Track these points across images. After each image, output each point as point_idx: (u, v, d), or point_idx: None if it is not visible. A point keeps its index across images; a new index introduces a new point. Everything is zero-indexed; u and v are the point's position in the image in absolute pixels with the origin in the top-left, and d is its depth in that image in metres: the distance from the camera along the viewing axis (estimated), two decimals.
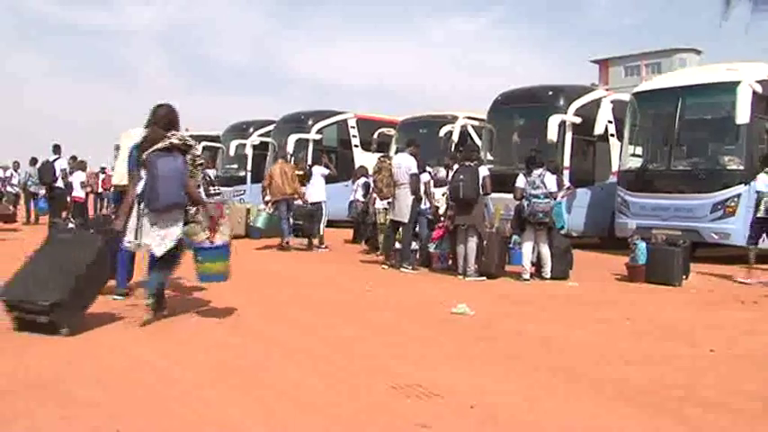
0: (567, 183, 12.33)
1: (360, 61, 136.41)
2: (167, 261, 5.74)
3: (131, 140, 6.22)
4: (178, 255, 5.84)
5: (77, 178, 16.10)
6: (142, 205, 5.55)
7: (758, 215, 9.54)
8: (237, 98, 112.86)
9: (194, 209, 5.77)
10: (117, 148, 8.07)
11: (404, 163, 10.18)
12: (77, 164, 16.57)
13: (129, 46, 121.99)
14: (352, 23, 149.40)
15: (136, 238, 5.57)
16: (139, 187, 5.58)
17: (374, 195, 11.80)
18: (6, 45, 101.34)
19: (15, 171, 20.08)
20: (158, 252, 5.59)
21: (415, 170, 10.07)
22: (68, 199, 15.64)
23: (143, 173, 5.56)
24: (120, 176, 7.06)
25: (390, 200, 10.56)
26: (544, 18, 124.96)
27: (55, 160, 15.44)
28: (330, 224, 13.85)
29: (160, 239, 5.57)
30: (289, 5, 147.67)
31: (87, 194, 17.81)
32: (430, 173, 10.65)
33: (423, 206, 10.26)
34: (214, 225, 5.76)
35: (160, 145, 5.53)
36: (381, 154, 12.87)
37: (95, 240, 5.72)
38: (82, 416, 3.64)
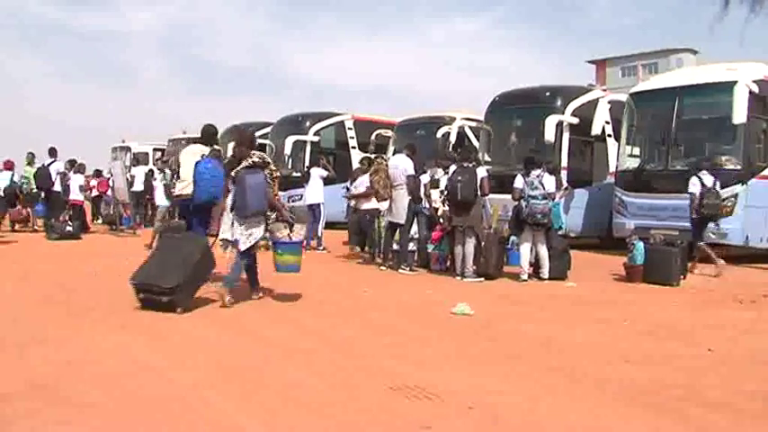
0: (564, 183, 12.35)
1: (359, 62, 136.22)
2: (246, 254, 7.00)
3: (193, 156, 7.85)
4: (254, 251, 7.13)
5: (76, 181, 16.06)
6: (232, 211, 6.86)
7: (692, 216, 10.21)
8: (237, 100, 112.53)
9: (273, 214, 7.07)
10: (163, 162, 9.90)
11: (401, 164, 10.18)
12: (77, 167, 16.54)
13: (129, 48, 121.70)
14: (351, 24, 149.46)
15: (229, 238, 6.89)
16: (230, 198, 6.89)
17: (354, 199, 11.89)
18: (5, 47, 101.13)
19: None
20: (243, 247, 6.87)
21: (411, 171, 10.07)
22: (66, 202, 15.58)
23: (231, 185, 6.90)
24: (183, 186, 8.08)
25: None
26: (541, 19, 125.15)
27: (50, 164, 15.42)
28: (328, 226, 13.84)
29: (245, 238, 6.85)
30: (288, 6, 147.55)
31: (86, 198, 17.77)
32: (432, 175, 10.63)
33: (422, 206, 10.24)
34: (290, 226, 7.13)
35: (245, 163, 6.82)
36: (375, 155, 12.74)
37: (203, 240, 7.19)
38: (82, 417, 3.64)
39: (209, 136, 8.39)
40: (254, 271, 7.32)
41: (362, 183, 11.42)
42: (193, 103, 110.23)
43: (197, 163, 7.56)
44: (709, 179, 10.13)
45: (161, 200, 13.79)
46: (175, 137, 25.40)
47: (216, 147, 8.28)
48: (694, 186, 10.11)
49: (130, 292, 6.61)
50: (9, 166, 16.32)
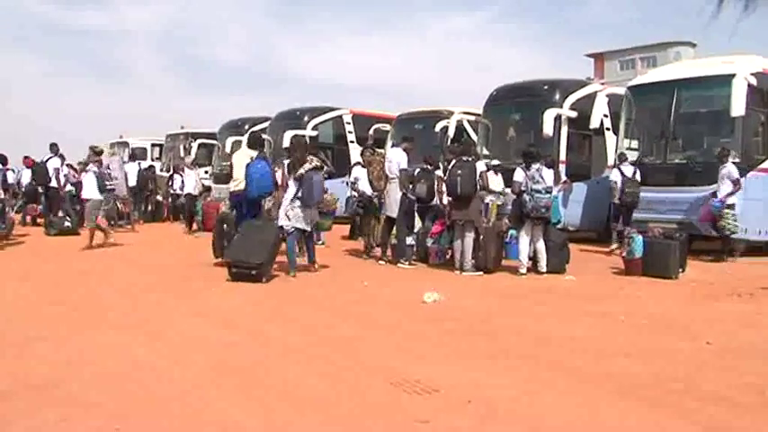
0: (563, 177, 12.35)
1: (357, 58, 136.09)
2: (310, 236, 9.30)
3: (245, 157, 9.56)
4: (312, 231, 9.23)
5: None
6: (296, 201, 8.77)
7: (614, 202, 11.90)
8: (234, 96, 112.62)
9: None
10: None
11: (395, 158, 10.21)
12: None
13: (126, 46, 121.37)
14: (349, 20, 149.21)
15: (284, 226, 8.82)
16: (290, 192, 8.85)
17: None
18: (1, 46, 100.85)
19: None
20: (308, 228, 9.02)
21: (405, 165, 10.08)
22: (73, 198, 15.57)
23: (291, 182, 8.84)
24: (236, 184, 9.52)
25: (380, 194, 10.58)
26: (539, 13, 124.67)
27: (48, 159, 15.39)
28: None
29: (307, 222, 8.92)
30: (286, 3, 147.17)
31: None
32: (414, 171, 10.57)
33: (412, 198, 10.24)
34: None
35: (309, 165, 8.74)
36: (366, 147, 12.68)
37: (275, 226, 8.90)
38: (82, 416, 3.65)
39: (256, 141, 10.15)
40: (312, 247, 9.30)
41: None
42: (191, 99, 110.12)
43: (248, 164, 9.17)
44: (629, 170, 11.60)
45: (93, 193, 12.77)
46: (173, 132, 25.34)
47: (263, 150, 9.96)
48: (615, 177, 11.71)
49: (128, 292, 6.63)
50: (30, 163, 16.39)
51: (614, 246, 11.52)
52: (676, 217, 11.06)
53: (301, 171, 8.70)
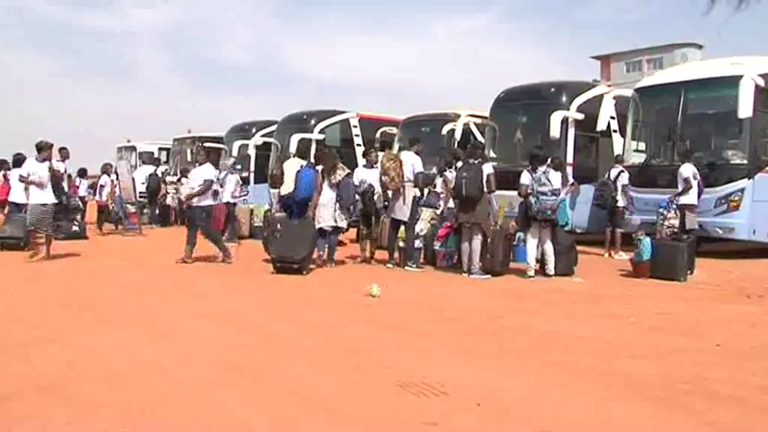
0: (571, 179, 12.32)
1: (363, 59, 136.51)
2: (339, 232, 10.60)
3: (295, 165, 10.69)
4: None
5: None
6: (336, 204, 10.04)
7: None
8: (241, 98, 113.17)
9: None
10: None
11: (408, 161, 10.16)
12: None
13: (133, 47, 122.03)
14: (355, 22, 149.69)
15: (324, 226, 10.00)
16: (325, 196, 10.04)
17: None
18: (9, 47, 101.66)
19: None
20: (345, 225, 10.52)
21: (420, 168, 10.07)
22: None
23: (326, 186, 10.06)
24: (287, 188, 10.53)
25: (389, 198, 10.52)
26: (545, 15, 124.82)
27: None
28: None
29: (345, 220, 10.29)
30: (292, 4, 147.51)
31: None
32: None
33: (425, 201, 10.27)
34: None
35: (343, 173, 10.13)
36: (368, 150, 12.71)
37: (313, 224, 9.84)
38: (90, 417, 3.65)
39: (305, 151, 12.40)
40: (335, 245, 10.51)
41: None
42: (198, 101, 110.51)
43: (298, 171, 10.32)
44: (614, 172, 11.95)
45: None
46: (180, 136, 25.40)
47: (311, 160, 11.27)
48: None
49: (135, 292, 6.64)
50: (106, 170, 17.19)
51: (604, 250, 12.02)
52: None
53: (338, 178, 9.96)
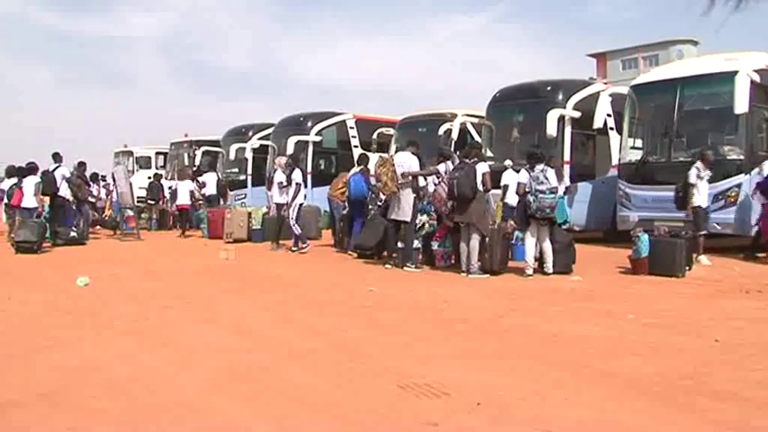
0: (567, 181, 12.32)
1: (361, 61, 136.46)
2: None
3: (350, 173, 12.43)
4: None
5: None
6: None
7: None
8: (239, 102, 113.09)
9: None
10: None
11: (406, 162, 10.14)
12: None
13: (130, 54, 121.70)
14: (353, 23, 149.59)
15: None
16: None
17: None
18: (5, 55, 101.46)
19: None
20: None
21: (417, 169, 10.07)
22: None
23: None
24: (344, 191, 12.55)
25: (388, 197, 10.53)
26: (541, 13, 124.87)
27: (55, 169, 15.38)
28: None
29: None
30: (288, 7, 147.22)
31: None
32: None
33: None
34: None
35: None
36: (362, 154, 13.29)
37: (383, 222, 10.93)
38: (91, 424, 3.65)
39: (362, 161, 12.96)
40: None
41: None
42: (195, 106, 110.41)
43: (351, 177, 12.18)
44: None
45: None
46: (177, 140, 25.41)
47: (365, 167, 12.46)
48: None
49: (135, 298, 6.64)
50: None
51: None
52: (682, 215, 11.02)
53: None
